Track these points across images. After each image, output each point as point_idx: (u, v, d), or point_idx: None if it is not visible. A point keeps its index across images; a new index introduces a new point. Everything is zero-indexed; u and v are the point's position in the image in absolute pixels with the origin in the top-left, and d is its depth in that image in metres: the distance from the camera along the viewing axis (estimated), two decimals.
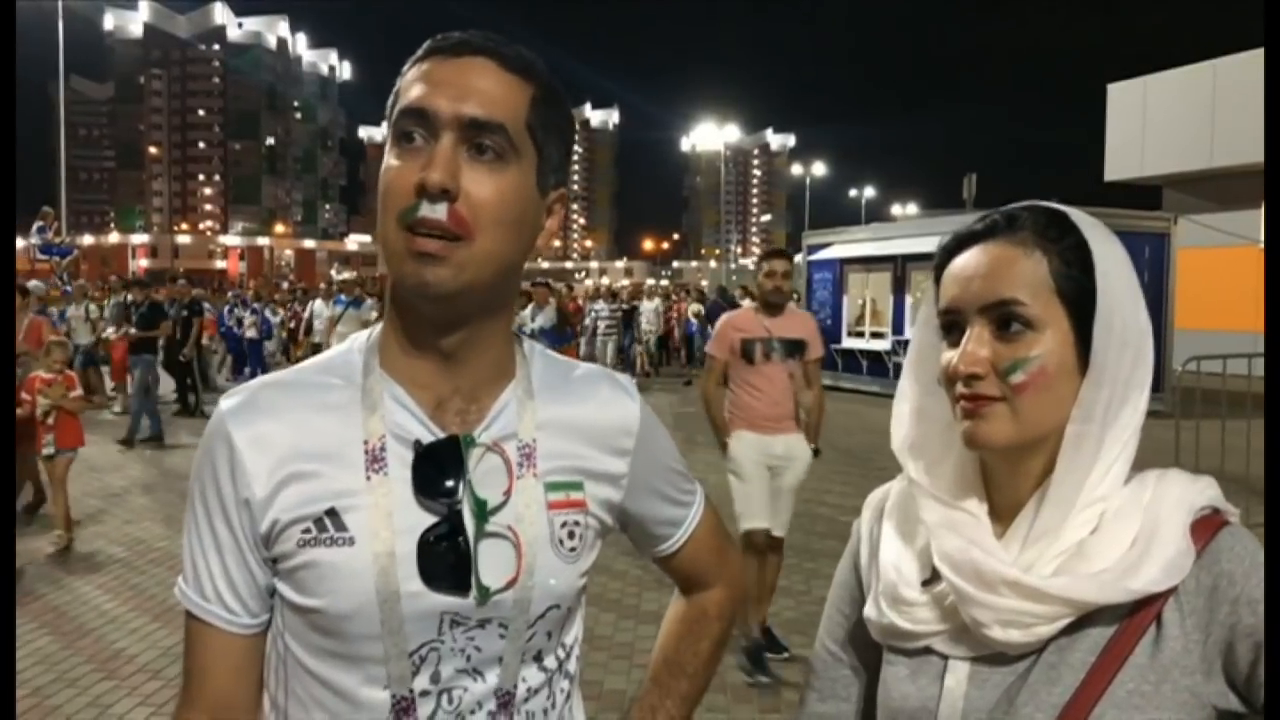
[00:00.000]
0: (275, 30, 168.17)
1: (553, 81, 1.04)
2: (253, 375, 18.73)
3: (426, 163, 0.94)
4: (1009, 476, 1.02)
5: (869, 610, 1.08)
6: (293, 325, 17.68)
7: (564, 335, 11.55)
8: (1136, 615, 0.92)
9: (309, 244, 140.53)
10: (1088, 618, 0.93)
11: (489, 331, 1.05)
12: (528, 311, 11.73)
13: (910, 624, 1.02)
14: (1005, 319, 0.97)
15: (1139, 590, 0.91)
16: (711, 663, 1.30)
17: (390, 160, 0.98)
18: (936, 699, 1.00)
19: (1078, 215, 1.01)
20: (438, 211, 0.94)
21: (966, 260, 1.01)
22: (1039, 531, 0.97)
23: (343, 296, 13.75)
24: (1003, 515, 1.02)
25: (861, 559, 1.14)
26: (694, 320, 22.48)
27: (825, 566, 6.46)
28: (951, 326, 1.01)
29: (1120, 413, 0.97)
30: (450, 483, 1.00)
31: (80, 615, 5.52)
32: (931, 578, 1.03)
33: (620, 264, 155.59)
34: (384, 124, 1.04)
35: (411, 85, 0.99)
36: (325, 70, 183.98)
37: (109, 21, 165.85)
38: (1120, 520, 0.95)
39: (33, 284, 12.22)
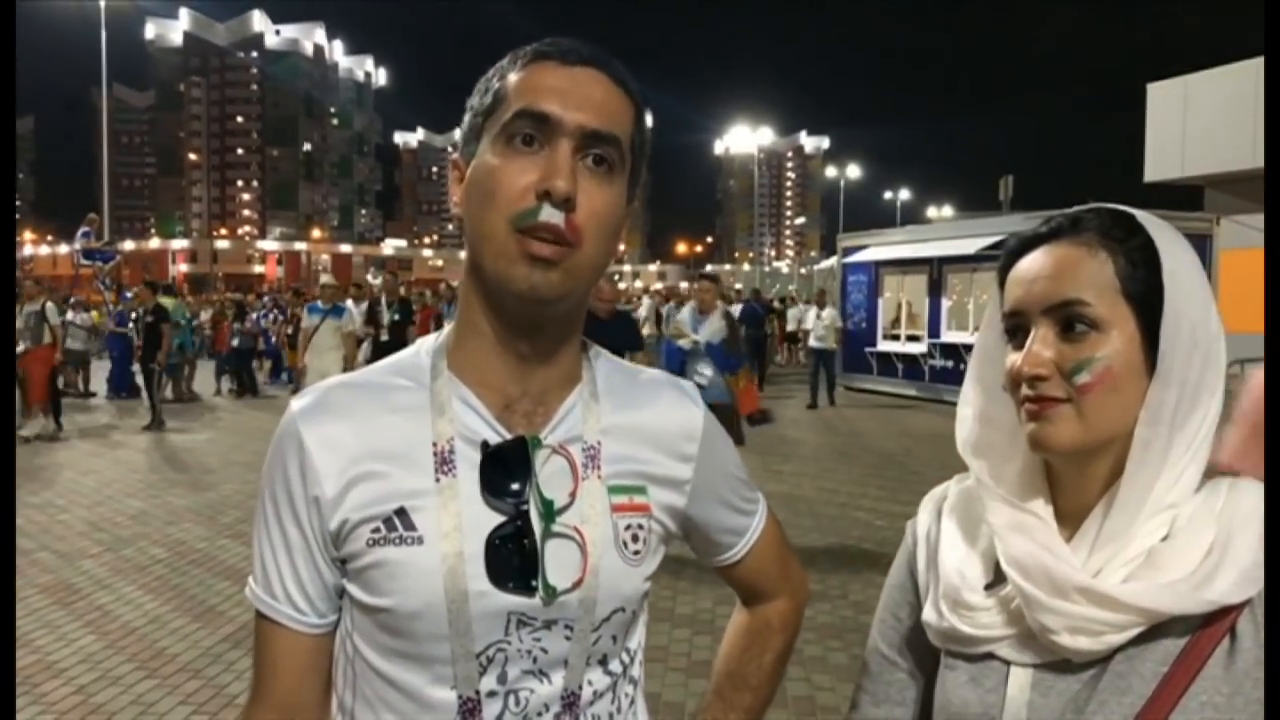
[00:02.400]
0: (312, 37, 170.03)
1: (643, 101, 1.06)
2: (289, 380, 18.83)
3: (548, 169, 0.95)
4: (1075, 480, 1.00)
5: (928, 614, 1.06)
6: (290, 332, 16.06)
7: (735, 357, 7.48)
8: (1210, 626, 0.91)
9: (345, 248, 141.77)
10: (1159, 627, 0.91)
11: (562, 336, 1.06)
12: (685, 316, 7.70)
13: (973, 629, 1.00)
14: (1070, 320, 0.96)
15: (1215, 601, 0.89)
16: (775, 676, 1.28)
17: (495, 159, 0.98)
18: (999, 706, 0.98)
19: (1144, 216, 0.99)
20: (556, 218, 0.94)
21: (1030, 262, 1.00)
22: (1106, 536, 0.96)
23: (319, 304, 11.32)
24: (1068, 519, 1.01)
25: (919, 561, 1.13)
26: None
27: (861, 571, 6.41)
28: (1016, 329, 1.00)
29: (1190, 416, 0.95)
30: (517, 484, 1.01)
31: (123, 615, 5.60)
32: (994, 581, 1.01)
33: (653, 267, 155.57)
34: (474, 118, 1.04)
35: (525, 87, 0.99)
36: (361, 76, 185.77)
37: (150, 30, 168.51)
38: (1193, 529, 0.94)
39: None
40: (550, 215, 0.94)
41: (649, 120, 1.07)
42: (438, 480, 1.00)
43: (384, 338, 12.25)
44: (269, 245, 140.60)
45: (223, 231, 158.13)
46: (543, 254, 0.95)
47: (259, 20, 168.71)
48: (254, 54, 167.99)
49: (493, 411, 1.03)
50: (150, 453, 11.29)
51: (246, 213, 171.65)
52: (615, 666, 1.08)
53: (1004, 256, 1.05)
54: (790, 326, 24.73)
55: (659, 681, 4.60)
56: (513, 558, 0.99)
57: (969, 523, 1.08)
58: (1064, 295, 0.96)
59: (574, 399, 1.07)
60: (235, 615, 5.51)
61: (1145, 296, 0.95)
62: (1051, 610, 0.94)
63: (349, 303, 11.96)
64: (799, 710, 4.31)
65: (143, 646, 5.11)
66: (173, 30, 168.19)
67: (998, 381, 1.04)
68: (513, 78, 1.01)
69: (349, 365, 10.64)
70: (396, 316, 12.61)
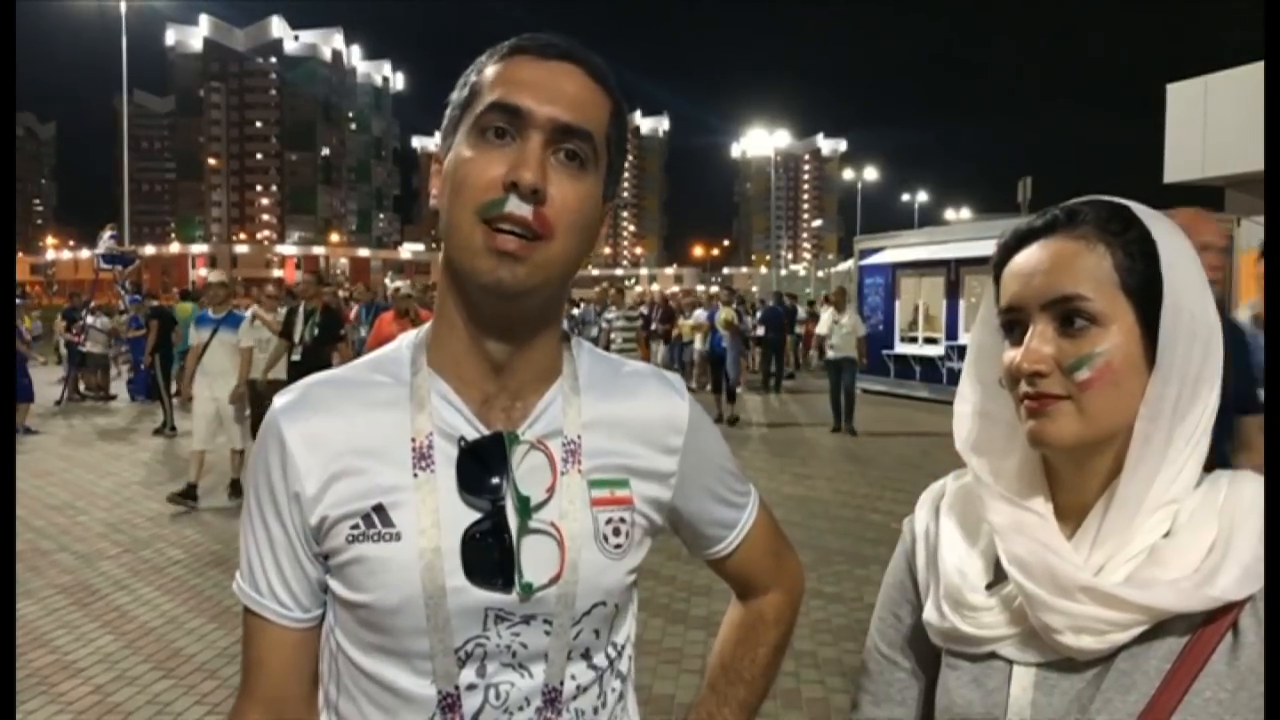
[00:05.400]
0: (330, 43, 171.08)
1: (622, 96, 1.05)
2: None
3: (517, 161, 0.95)
4: (1075, 477, 0.99)
5: (929, 614, 1.06)
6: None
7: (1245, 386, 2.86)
8: (1213, 622, 0.90)
9: (363, 252, 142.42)
10: (1162, 625, 0.91)
11: (540, 332, 1.06)
12: None
13: (974, 628, 0.99)
14: (1068, 315, 0.94)
15: (1218, 598, 0.88)
16: (770, 669, 1.28)
17: (467, 151, 0.98)
18: (1003, 705, 0.97)
19: (1140, 208, 0.98)
20: (524, 210, 0.94)
21: (1027, 257, 0.99)
22: (1107, 533, 0.95)
23: (209, 313, 8.76)
24: (1068, 516, 1.00)
25: (917, 560, 1.12)
26: (723, 333, 14.81)
27: (876, 574, 6.36)
28: (1013, 325, 0.99)
29: (1190, 409, 0.94)
30: (494, 479, 1.00)
31: (141, 616, 5.63)
32: (995, 580, 1.01)
33: (670, 270, 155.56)
34: (452, 111, 1.04)
35: (499, 80, 0.99)
36: (379, 81, 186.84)
37: (170, 37, 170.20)
38: (1195, 524, 0.93)
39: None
40: (517, 206, 0.94)
41: (628, 116, 1.06)
42: (416, 475, 1.00)
43: (295, 357, 8.93)
44: (288, 249, 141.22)
45: (242, 236, 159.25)
46: (507, 248, 0.94)
47: (278, 26, 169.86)
48: (272, 59, 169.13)
49: (471, 408, 1.03)
50: (169, 455, 11.35)
51: (265, 217, 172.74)
52: (599, 660, 1.07)
53: (999, 251, 1.03)
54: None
55: (673, 683, 4.60)
56: (490, 553, 0.99)
57: (968, 521, 1.07)
58: (1062, 290, 0.95)
59: (554, 393, 1.07)
60: None
61: (1143, 289, 0.94)
62: (1055, 610, 0.93)
63: (304, 307, 9.20)
64: (813, 713, 4.29)
65: (160, 647, 5.14)
66: (192, 36, 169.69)
67: (995, 378, 1.03)
68: (489, 71, 1.01)
69: (242, 392, 8.48)
70: (316, 331, 9.04)
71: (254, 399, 8.59)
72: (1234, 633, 0.90)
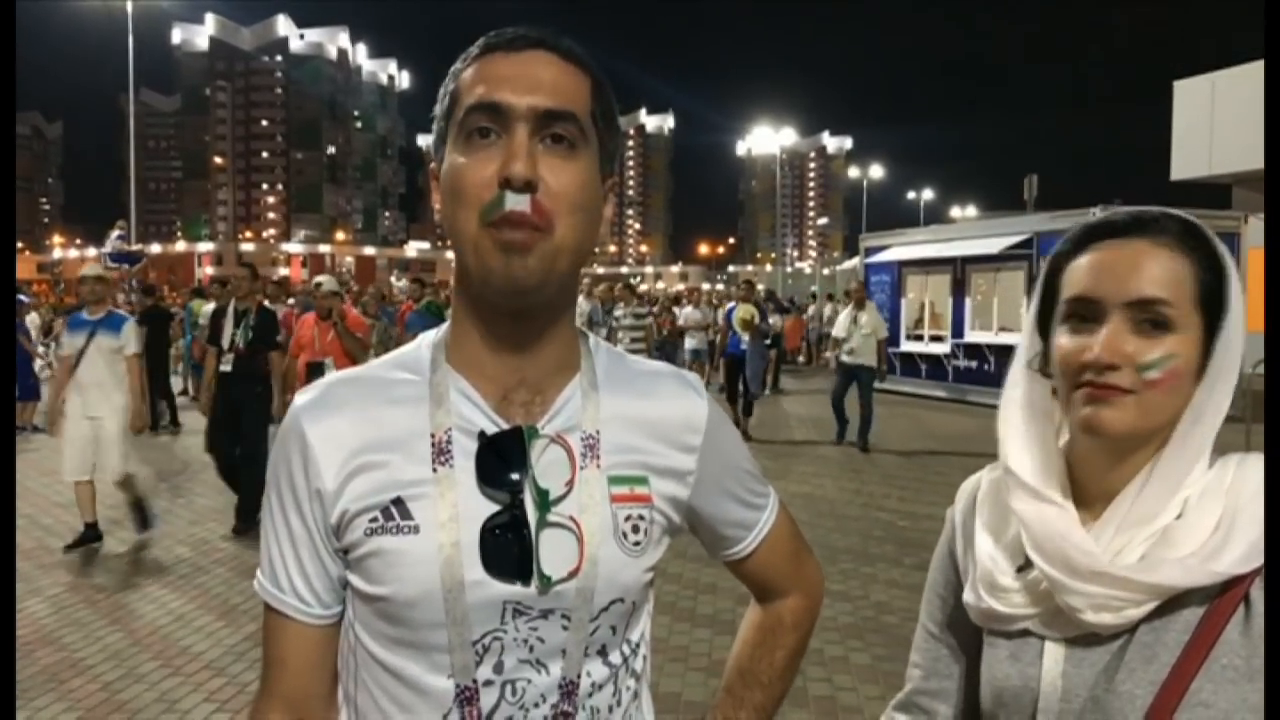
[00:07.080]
0: (336, 41, 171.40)
1: (602, 72, 1.06)
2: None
3: (506, 156, 0.96)
4: (1108, 466, 1.06)
5: (968, 596, 1.14)
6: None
7: None
8: (1225, 595, 0.98)
9: (369, 250, 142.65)
10: (1179, 599, 0.99)
11: (556, 324, 1.06)
12: None
13: (1007, 608, 1.08)
14: (1149, 317, 1.01)
15: (1223, 573, 0.96)
16: (787, 673, 1.28)
17: (458, 158, 0.99)
18: (1037, 678, 1.06)
19: (1205, 227, 1.05)
20: (521, 204, 0.95)
21: (1109, 252, 1.04)
22: (1134, 519, 1.03)
23: (84, 315, 7.01)
24: (1093, 504, 1.07)
25: (957, 546, 1.21)
26: (741, 333, 12.48)
27: (883, 572, 6.39)
28: (1084, 315, 1.04)
29: (1219, 410, 1.03)
30: (513, 473, 1.01)
31: (148, 613, 5.66)
32: (1025, 564, 1.08)
33: (675, 268, 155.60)
34: (439, 125, 1.04)
35: (475, 82, 1.00)
36: (384, 79, 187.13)
37: (176, 35, 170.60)
38: (1203, 505, 1.01)
39: None
40: (515, 203, 0.95)
41: (611, 91, 1.07)
42: (435, 471, 1.01)
43: (226, 367, 7.61)
44: (293, 248, 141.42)
45: (248, 234, 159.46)
46: (515, 239, 0.95)
47: (283, 24, 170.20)
48: (278, 58, 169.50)
49: (490, 403, 1.04)
50: (175, 453, 11.38)
51: (271, 215, 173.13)
52: (615, 658, 1.08)
53: (1065, 243, 1.10)
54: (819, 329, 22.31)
55: (680, 680, 4.60)
56: (509, 547, 1.00)
57: (999, 510, 1.15)
58: (1149, 293, 1.01)
59: (572, 388, 1.08)
60: (258, 613, 5.49)
61: (1211, 304, 1.02)
62: (1074, 591, 1.02)
63: (234, 307, 7.74)
64: (820, 710, 4.28)
65: (167, 644, 5.16)
66: (198, 35, 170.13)
67: (1035, 365, 1.11)
68: (465, 75, 1.02)
69: (142, 411, 7.26)
70: (250, 335, 7.65)
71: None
72: (1245, 604, 0.98)
